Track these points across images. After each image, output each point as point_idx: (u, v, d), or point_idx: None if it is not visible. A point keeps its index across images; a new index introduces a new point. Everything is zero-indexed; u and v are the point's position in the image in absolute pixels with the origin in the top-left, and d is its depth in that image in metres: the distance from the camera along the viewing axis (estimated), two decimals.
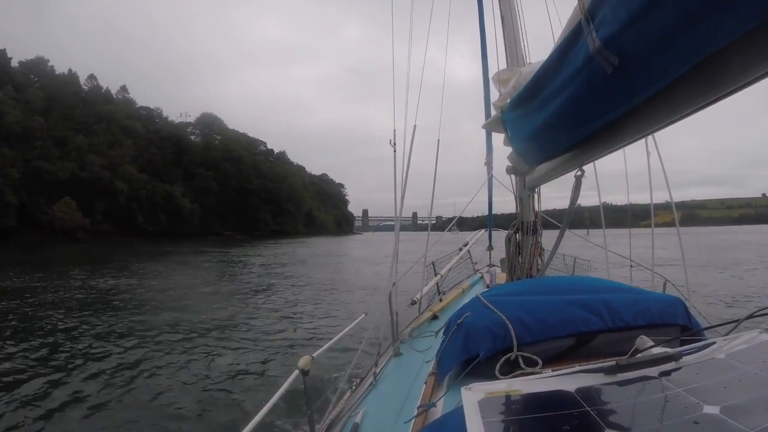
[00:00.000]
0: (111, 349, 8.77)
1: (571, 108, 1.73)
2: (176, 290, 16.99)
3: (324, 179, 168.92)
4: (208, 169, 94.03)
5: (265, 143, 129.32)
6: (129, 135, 79.63)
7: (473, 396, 1.10)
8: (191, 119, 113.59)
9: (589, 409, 0.98)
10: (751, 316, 1.44)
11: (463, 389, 1.16)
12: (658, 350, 1.28)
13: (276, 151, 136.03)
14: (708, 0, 0.97)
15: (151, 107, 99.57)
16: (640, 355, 1.25)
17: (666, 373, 1.15)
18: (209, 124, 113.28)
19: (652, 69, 1.27)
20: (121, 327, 10.75)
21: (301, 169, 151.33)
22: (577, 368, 1.23)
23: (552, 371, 1.30)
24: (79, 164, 68.04)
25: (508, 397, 1.10)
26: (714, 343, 1.31)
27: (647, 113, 1.51)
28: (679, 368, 1.18)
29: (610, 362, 1.18)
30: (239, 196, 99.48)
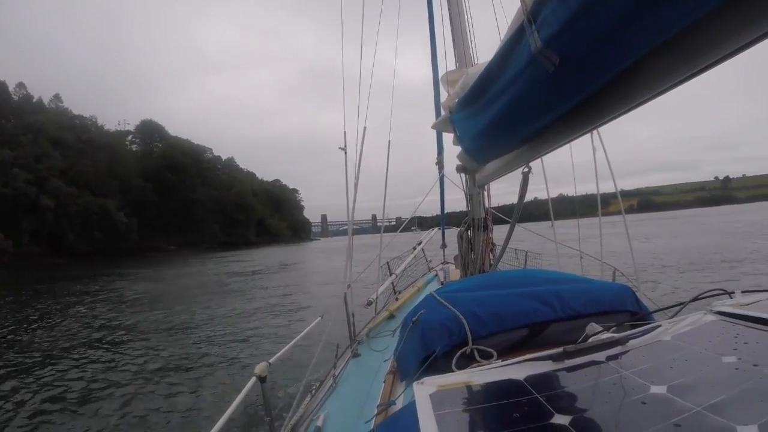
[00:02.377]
0: (54, 377, 8.68)
1: (515, 107, 1.83)
2: (106, 314, 16.76)
3: (277, 185, 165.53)
4: (147, 179, 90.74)
5: (212, 150, 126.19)
6: (59, 146, 75.70)
7: (425, 390, 1.15)
8: (130, 127, 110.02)
9: (538, 395, 1.03)
10: (695, 299, 1.56)
11: (415, 384, 1.21)
12: (607, 335, 1.37)
13: (224, 157, 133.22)
14: (643, 2, 1.06)
15: (85, 116, 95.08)
16: (588, 341, 1.34)
17: (613, 357, 1.21)
18: (150, 131, 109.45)
19: (593, 67, 1.36)
20: (60, 354, 10.62)
21: (251, 175, 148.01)
22: (527, 357, 1.29)
23: (502, 362, 1.37)
24: (2, 180, 64.08)
25: (459, 389, 1.15)
26: (660, 326, 1.39)
27: (589, 110, 1.61)
28: (627, 351, 1.24)
29: (558, 350, 1.24)
30: (183, 207, 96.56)
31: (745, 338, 1.16)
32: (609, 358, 1.20)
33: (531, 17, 1.41)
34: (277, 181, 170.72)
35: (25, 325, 14.63)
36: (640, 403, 0.94)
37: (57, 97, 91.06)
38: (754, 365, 0.99)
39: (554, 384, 1.11)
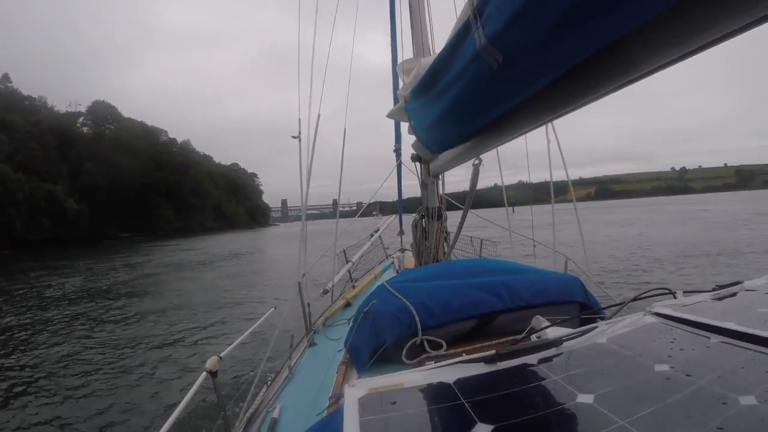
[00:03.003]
0: None
1: (462, 101, 1.85)
2: (51, 310, 16.12)
3: (234, 169, 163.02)
4: (99, 163, 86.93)
5: (167, 132, 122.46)
6: (6, 129, 71.27)
7: (355, 393, 1.14)
8: (82, 108, 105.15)
9: (464, 401, 1.01)
10: (636, 298, 1.56)
11: (346, 386, 1.20)
12: (555, 331, 1.37)
13: (180, 140, 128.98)
14: (588, 3, 1.05)
15: (34, 96, 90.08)
16: (533, 334, 1.36)
17: (546, 360, 1.19)
18: (102, 113, 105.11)
19: (537, 66, 1.35)
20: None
21: (208, 159, 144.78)
22: (460, 359, 1.27)
23: (436, 361, 1.37)
24: None
25: (389, 392, 1.13)
26: (597, 326, 1.35)
27: (539, 105, 1.61)
28: (560, 354, 1.22)
29: (490, 352, 1.22)
30: (137, 192, 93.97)
31: (681, 344, 1.14)
32: (541, 362, 1.19)
33: (477, 12, 1.40)
34: (234, 164, 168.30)
35: None
36: (564, 413, 0.92)
37: (5, 77, 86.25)
38: (687, 375, 0.97)
39: (483, 389, 1.09)
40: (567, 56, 1.26)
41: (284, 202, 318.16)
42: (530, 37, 1.24)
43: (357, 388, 1.16)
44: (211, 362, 2.55)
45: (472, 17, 1.43)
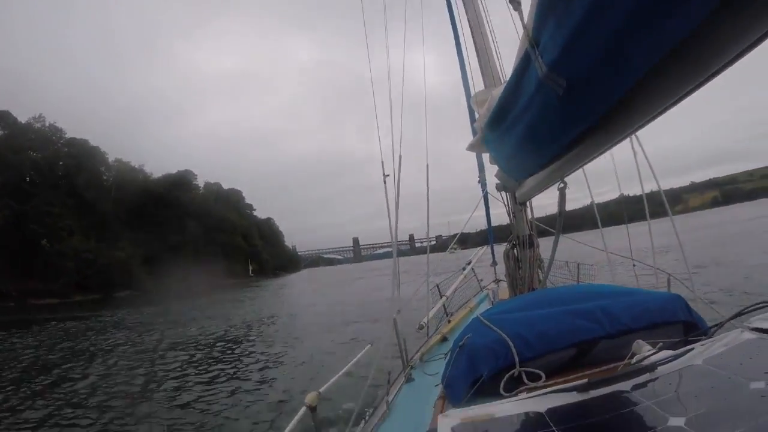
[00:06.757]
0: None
1: (536, 129, 1.95)
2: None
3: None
4: None
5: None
6: None
7: (449, 422, 1.22)
8: None
9: (555, 429, 1.06)
10: (738, 315, 1.52)
11: (440, 416, 1.28)
12: (659, 356, 1.39)
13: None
14: (641, 14, 1.06)
15: None
16: (634, 361, 1.40)
17: (640, 386, 1.22)
18: None
19: (603, 84, 1.39)
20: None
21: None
22: (551, 388, 1.33)
23: (528, 392, 1.43)
24: None
25: (481, 422, 1.19)
26: (693, 348, 1.35)
27: (614, 121, 1.62)
28: (654, 379, 1.24)
29: (582, 381, 1.28)
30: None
31: None
32: (634, 388, 1.22)
33: (534, 42, 1.47)
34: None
35: None
36: None
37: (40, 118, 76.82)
38: None
39: (575, 417, 1.13)
40: (631, 70, 1.29)
41: (356, 240, 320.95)
42: (589, 58, 1.31)
43: (450, 418, 1.26)
44: (310, 397, 2.68)
45: (529, 47, 1.51)
